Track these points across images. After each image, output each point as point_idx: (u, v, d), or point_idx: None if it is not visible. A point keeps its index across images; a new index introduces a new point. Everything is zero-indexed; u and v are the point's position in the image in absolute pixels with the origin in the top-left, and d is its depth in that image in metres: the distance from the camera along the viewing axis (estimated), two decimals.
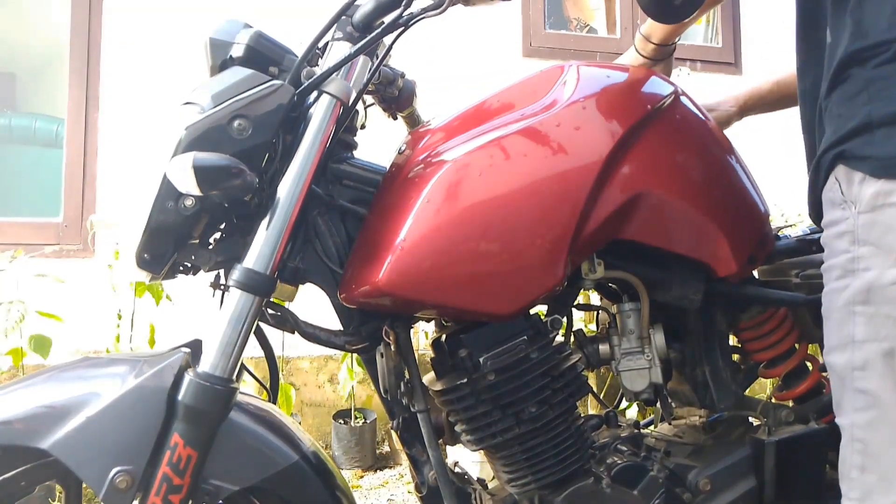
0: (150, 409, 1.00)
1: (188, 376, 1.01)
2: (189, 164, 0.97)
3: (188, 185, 0.98)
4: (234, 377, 1.05)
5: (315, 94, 1.11)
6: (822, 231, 1.37)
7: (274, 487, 1.08)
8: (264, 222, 1.06)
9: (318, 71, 1.13)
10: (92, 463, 0.98)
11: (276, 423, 1.14)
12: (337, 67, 1.11)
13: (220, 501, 1.13)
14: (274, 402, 1.20)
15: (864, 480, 0.92)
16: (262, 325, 1.21)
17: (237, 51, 1.15)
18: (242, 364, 1.17)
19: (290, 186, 1.07)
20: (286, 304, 1.26)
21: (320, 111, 1.10)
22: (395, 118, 1.51)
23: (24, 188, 3.61)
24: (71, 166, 3.34)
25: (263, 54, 1.15)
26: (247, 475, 1.06)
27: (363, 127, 1.33)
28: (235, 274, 1.04)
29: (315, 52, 1.20)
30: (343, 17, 1.15)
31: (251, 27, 1.18)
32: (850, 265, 0.92)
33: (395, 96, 1.44)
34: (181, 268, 1.14)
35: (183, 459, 1.00)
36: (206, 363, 1.03)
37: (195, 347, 1.09)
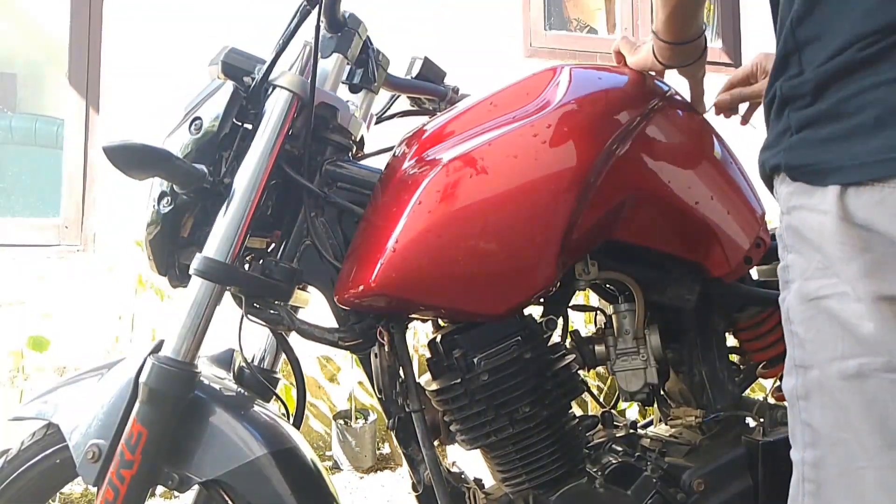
0: (120, 390, 1.12)
1: (150, 360, 1.09)
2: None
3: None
4: (195, 361, 1.13)
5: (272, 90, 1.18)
6: None
7: (233, 482, 1.11)
8: (221, 212, 1.13)
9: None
10: (78, 434, 1.12)
11: (253, 417, 1.17)
12: (274, 59, 1.18)
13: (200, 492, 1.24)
14: (297, 428, 1.23)
15: None
16: (286, 347, 1.28)
17: (217, 70, 1.22)
18: (271, 389, 1.28)
19: (247, 177, 1.13)
20: (299, 311, 1.28)
21: (272, 104, 1.17)
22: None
23: (24, 188, 3.61)
24: (71, 167, 3.35)
25: (237, 67, 1.21)
26: (209, 468, 1.11)
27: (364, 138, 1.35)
28: (196, 262, 1.10)
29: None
30: (320, 20, 1.19)
31: (227, 46, 1.24)
32: (783, 275, 0.82)
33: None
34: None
35: (134, 436, 1.08)
36: (168, 348, 1.11)
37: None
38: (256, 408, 1.20)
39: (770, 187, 0.87)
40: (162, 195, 1.16)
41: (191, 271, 1.11)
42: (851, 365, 0.73)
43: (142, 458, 1.08)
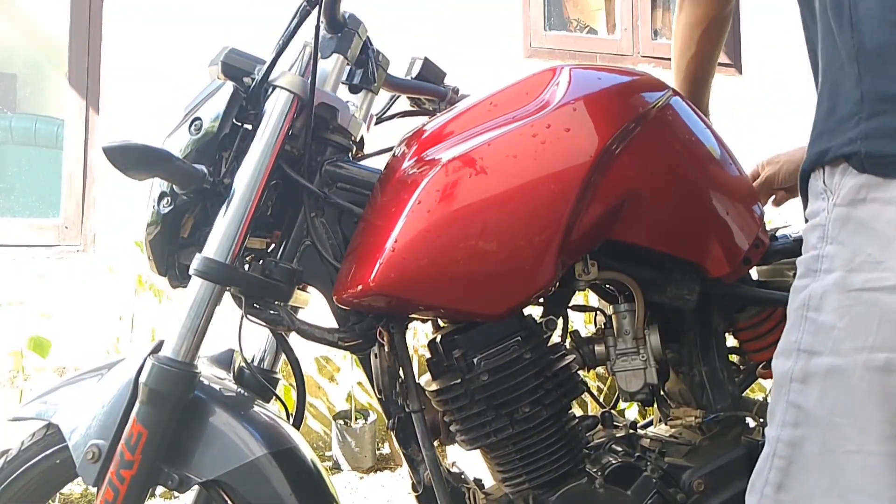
0: (120, 391, 1.12)
1: (150, 360, 1.09)
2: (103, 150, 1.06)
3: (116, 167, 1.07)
4: (195, 361, 1.13)
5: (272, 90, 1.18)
6: None
7: (234, 482, 1.11)
8: (221, 212, 1.13)
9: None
10: (78, 434, 1.12)
11: (253, 417, 1.17)
12: (274, 60, 1.18)
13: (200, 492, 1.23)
14: (297, 428, 1.23)
15: (778, 500, 0.84)
16: (286, 347, 1.27)
17: (217, 70, 1.21)
18: (271, 389, 1.28)
19: (247, 177, 1.13)
20: (299, 311, 1.28)
21: (272, 104, 1.16)
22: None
23: (25, 189, 3.61)
24: (71, 167, 3.35)
25: (237, 67, 1.20)
26: (209, 468, 1.11)
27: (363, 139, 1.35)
28: (195, 263, 1.10)
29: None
30: (320, 21, 1.19)
31: (227, 47, 1.24)
32: (813, 264, 0.84)
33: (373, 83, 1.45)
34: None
35: (134, 436, 1.08)
36: (168, 348, 1.10)
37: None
38: (256, 408, 1.20)
39: (805, 179, 0.87)
40: (162, 195, 1.16)
41: (190, 271, 1.11)
42: (880, 357, 0.77)
43: (142, 459, 1.08)
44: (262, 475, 1.11)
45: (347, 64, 1.32)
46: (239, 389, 1.24)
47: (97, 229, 3.32)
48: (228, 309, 1.15)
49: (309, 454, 1.19)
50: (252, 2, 3.38)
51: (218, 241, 1.11)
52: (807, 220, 0.88)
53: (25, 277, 3.16)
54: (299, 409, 1.27)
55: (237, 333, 1.17)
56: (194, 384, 1.13)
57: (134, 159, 1.06)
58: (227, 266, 1.10)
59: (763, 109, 4.13)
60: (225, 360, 1.31)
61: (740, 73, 4.28)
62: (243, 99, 1.17)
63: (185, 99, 1.22)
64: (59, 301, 3.14)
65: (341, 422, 3.24)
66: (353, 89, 1.41)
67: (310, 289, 1.30)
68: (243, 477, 1.10)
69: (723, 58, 4.30)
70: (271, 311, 1.15)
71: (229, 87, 1.16)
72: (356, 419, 3.26)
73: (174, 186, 1.14)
